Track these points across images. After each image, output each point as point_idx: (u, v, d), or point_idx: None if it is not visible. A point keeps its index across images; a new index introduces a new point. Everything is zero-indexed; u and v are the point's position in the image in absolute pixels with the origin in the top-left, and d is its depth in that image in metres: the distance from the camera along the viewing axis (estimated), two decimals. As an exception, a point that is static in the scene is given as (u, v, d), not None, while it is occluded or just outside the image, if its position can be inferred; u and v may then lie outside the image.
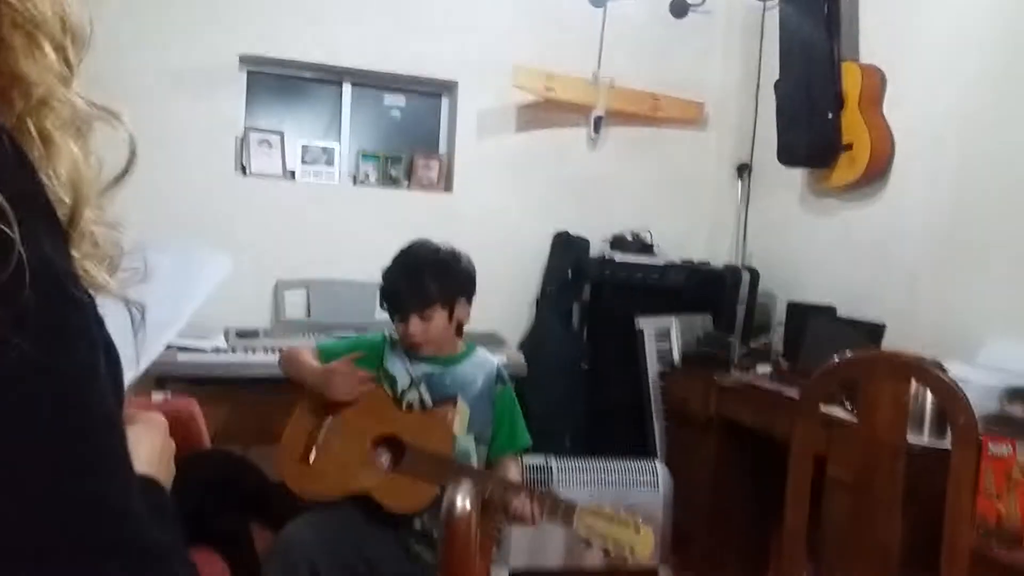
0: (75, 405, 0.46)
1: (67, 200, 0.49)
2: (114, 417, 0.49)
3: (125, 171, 0.56)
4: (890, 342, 2.59)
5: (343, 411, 1.81)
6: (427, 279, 1.84)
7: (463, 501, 0.80)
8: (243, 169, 3.41)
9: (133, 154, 0.56)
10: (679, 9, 3.77)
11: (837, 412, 2.33)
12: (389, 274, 1.90)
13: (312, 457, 1.78)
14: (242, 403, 3.25)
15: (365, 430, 1.80)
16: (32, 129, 0.47)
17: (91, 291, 0.52)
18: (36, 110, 0.47)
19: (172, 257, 0.78)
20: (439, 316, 1.86)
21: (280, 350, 2.04)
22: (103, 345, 0.50)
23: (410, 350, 1.89)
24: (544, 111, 3.68)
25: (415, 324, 1.84)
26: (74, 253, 0.51)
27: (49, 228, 0.47)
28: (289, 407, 1.87)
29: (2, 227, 0.41)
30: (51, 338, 0.44)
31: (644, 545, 1.71)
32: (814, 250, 3.35)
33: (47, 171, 0.48)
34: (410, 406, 1.85)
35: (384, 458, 1.81)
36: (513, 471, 1.91)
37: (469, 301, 1.93)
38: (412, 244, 1.92)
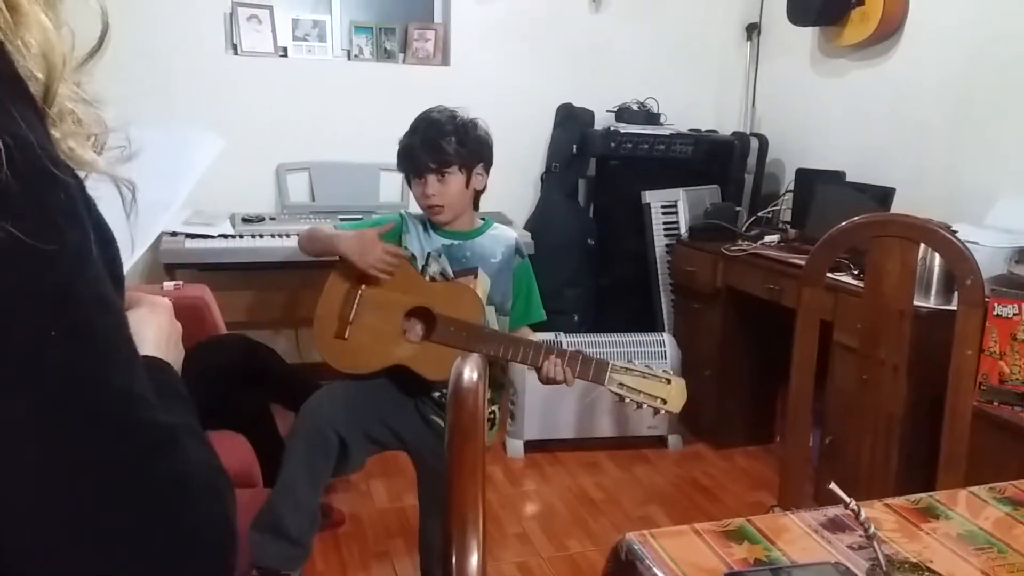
0: (66, 286, 0.44)
1: (40, 75, 0.47)
2: (109, 298, 0.48)
3: (99, 44, 0.53)
4: (899, 206, 2.56)
5: (373, 287, 1.83)
6: (446, 139, 1.83)
7: (471, 373, 0.81)
8: (234, 48, 3.28)
9: (106, 26, 0.53)
10: None
11: (844, 279, 2.34)
12: (407, 135, 1.88)
13: (348, 333, 1.81)
14: (253, 288, 3.29)
15: (396, 304, 1.83)
16: None
17: (79, 172, 0.51)
18: None
19: (161, 136, 0.75)
20: (456, 179, 1.85)
21: (298, 234, 2.02)
22: (95, 227, 0.49)
23: (427, 212, 1.87)
24: (543, -27, 3.49)
25: (432, 184, 1.83)
26: (54, 133, 0.49)
27: (22, 106, 0.45)
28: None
29: None
30: (35, 219, 0.43)
31: (676, 395, 1.74)
32: (824, 114, 3.26)
33: (15, 41, 0.45)
34: (432, 278, 1.86)
35: (417, 329, 1.85)
36: (532, 336, 1.95)
37: (486, 170, 1.92)
38: (431, 109, 1.90)
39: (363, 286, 1.83)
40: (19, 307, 0.42)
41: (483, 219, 1.98)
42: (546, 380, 1.78)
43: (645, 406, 1.74)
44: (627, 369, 1.75)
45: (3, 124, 0.41)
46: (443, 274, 1.87)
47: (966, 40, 2.64)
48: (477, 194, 1.92)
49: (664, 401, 1.73)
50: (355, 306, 1.82)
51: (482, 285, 1.87)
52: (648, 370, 1.76)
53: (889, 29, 2.88)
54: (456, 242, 1.89)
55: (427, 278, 1.86)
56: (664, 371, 1.77)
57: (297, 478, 1.66)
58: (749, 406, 3.09)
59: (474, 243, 1.90)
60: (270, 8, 3.31)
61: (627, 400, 1.74)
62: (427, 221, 1.91)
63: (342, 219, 2.62)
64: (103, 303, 0.47)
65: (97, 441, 0.45)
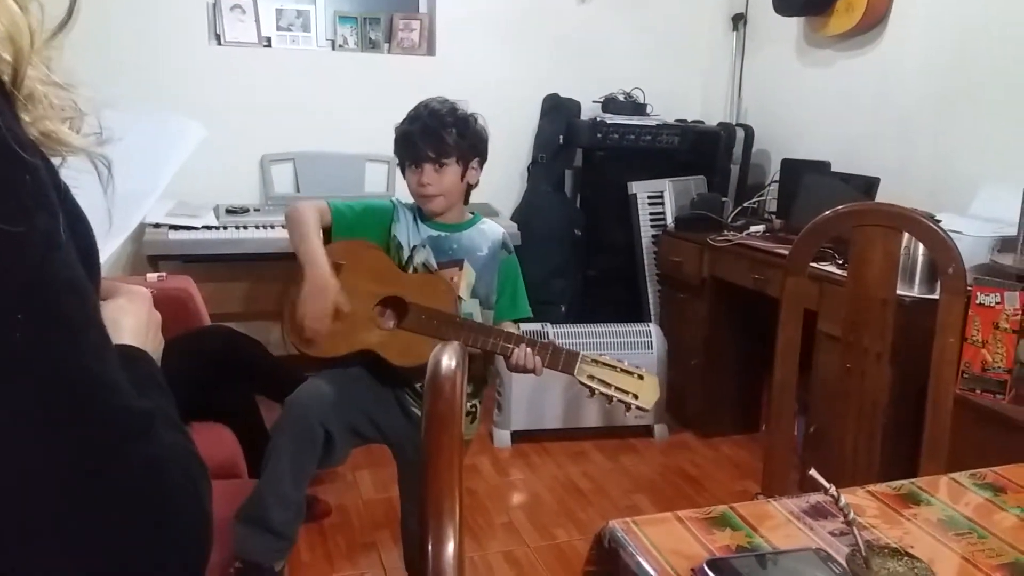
0: (34, 269, 0.44)
1: (7, 56, 0.46)
2: (79, 283, 0.47)
3: (67, 18, 0.52)
4: (884, 196, 2.57)
5: (348, 276, 1.82)
6: (446, 130, 1.82)
7: (449, 360, 0.81)
8: (217, 38, 3.25)
9: (74, 1, 0.52)
10: None
11: (828, 268, 2.35)
12: (406, 122, 1.86)
13: None
14: (238, 279, 3.27)
15: (370, 292, 1.82)
16: None
17: (53, 157, 0.50)
18: None
19: (140, 121, 0.74)
20: (453, 170, 1.84)
21: (290, 208, 1.91)
22: (67, 213, 0.48)
23: (420, 201, 1.87)
24: (530, -38, 3.48)
25: (429, 173, 1.82)
26: (24, 116, 0.48)
27: None
28: (285, 281, 1.87)
29: None
30: (1, 201, 0.42)
31: (648, 391, 1.73)
32: (810, 104, 3.27)
33: None
34: (415, 270, 1.85)
35: (389, 317, 1.84)
36: (512, 328, 1.94)
37: (481, 165, 1.91)
38: (432, 99, 1.89)
39: (339, 274, 1.82)
40: None
41: (472, 213, 1.97)
42: (514, 368, 1.78)
43: (616, 400, 1.73)
44: (598, 362, 1.75)
45: None
46: (426, 265, 1.86)
47: (951, 30, 2.64)
48: (469, 188, 1.92)
49: (636, 396, 1.72)
50: None
51: (467, 277, 1.87)
52: (621, 364, 1.75)
53: (874, 19, 2.89)
54: (443, 234, 1.89)
55: (411, 269, 1.86)
56: (637, 367, 1.76)
57: (283, 472, 1.65)
58: (735, 395, 3.11)
59: (461, 236, 1.90)
60: (253, -3, 3.28)
61: (598, 392, 1.73)
62: (417, 211, 1.90)
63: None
64: (73, 287, 0.46)
65: (67, 425, 0.44)
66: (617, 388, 1.73)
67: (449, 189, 1.85)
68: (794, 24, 3.29)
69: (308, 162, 3.33)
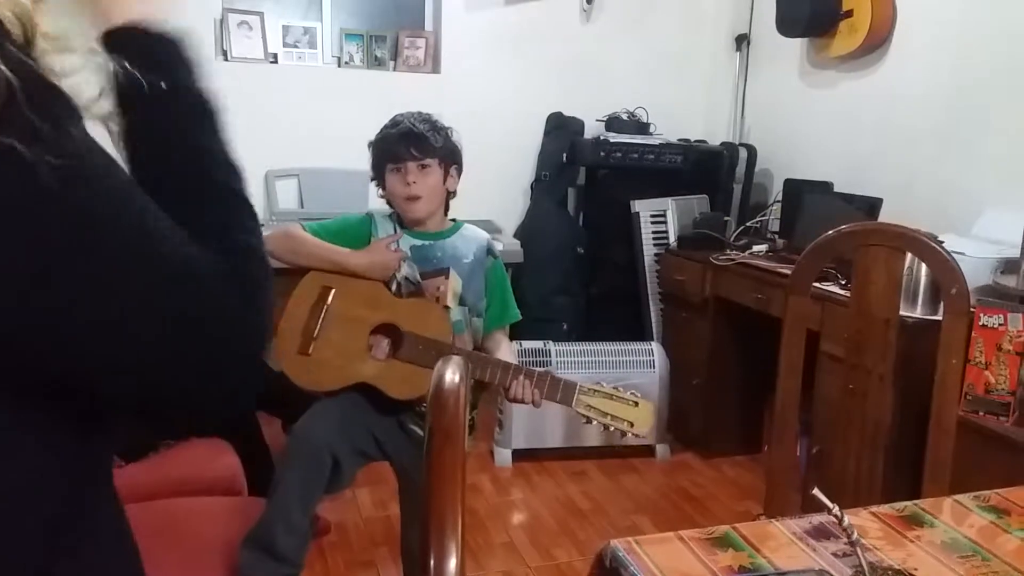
0: (114, 186, 0.55)
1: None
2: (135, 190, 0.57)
3: None
4: (887, 217, 2.57)
5: (340, 301, 1.81)
6: (428, 132, 1.84)
7: (452, 374, 0.80)
8: (224, 54, 3.28)
9: None
10: None
11: (831, 289, 2.35)
12: (386, 128, 1.88)
13: (312, 348, 1.78)
14: (240, 294, 3.27)
15: (363, 319, 1.80)
16: None
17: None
18: None
19: None
20: (436, 172, 1.85)
21: (271, 233, 1.97)
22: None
23: (403, 204, 1.85)
24: (535, -18, 3.51)
25: (413, 172, 1.82)
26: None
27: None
28: (285, 298, 1.87)
29: None
30: (64, 140, 0.51)
31: (642, 418, 1.75)
32: (812, 125, 3.28)
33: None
34: (399, 284, 1.84)
35: (384, 346, 1.83)
36: (506, 346, 1.93)
37: (458, 174, 1.92)
38: (408, 112, 1.91)
39: (329, 300, 1.81)
40: (83, 210, 0.52)
41: (453, 220, 1.97)
42: (513, 399, 1.78)
43: (612, 428, 1.75)
44: (595, 391, 1.76)
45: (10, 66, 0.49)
46: (410, 278, 1.85)
47: (953, 52, 2.66)
48: (449, 196, 1.92)
49: (631, 424, 1.74)
50: (320, 321, 1.78)
51: (454, 285, 1.86)
52: (616, 392, 1.76)
53: (877, 41, 2.90)
54: (427, 243, 1.88)
55: (394, 282, 1.85)
56: (632, 393, 1.77)
57: (291, 500, 1.63)
58: (738, 416, 3.09)
59: (445, 243, 1.89)
60: (260, 14, 3.31)
61: (595, 422, 1.75)
62: (397, 222, 1.90)
63: (304, 220, 2.58)
64: (135, 192, 0.57)
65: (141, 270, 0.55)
66: (613, 416, 1.75)
67: (433, 191, 1.85)
68: (797, 45, 3.31)
69: (312, 178, 3.34)
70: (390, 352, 1.81)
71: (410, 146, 1.82)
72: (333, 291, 1.80)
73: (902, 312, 1.70)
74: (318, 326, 1.78)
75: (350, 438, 1.72)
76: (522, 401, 1.77)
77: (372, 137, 1.91)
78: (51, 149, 0.49)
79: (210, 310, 0.58)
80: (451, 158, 1.88)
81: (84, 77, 0.57)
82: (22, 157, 0.48)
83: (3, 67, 0.48)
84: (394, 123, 1.87)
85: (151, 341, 0.55)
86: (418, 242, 1.87)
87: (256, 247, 0.64)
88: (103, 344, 0.54)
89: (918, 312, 2.12)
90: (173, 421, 0.69)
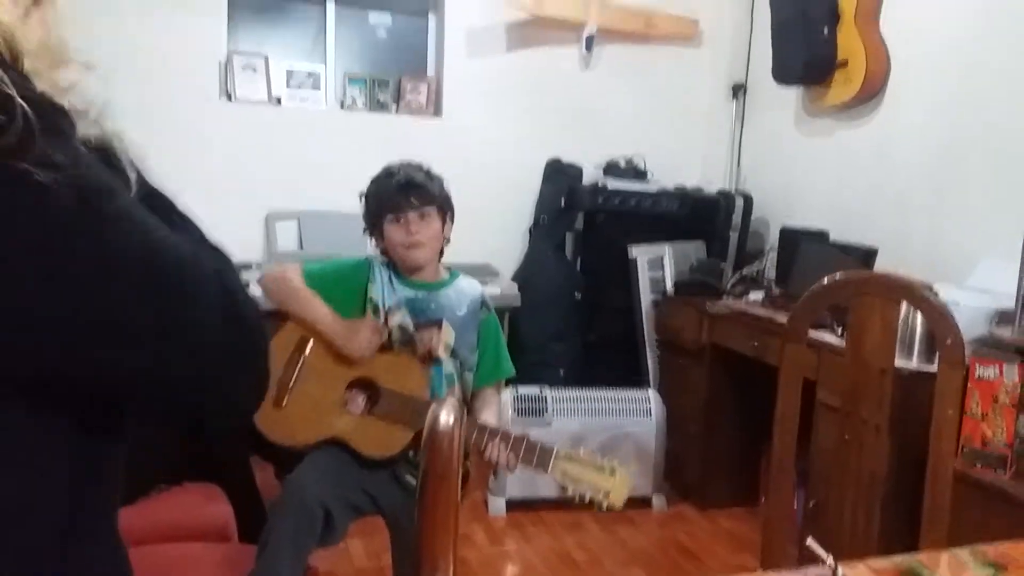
0: (124, 205, 0.58)
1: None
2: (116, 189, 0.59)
3: None
4: (882, 266, 2.58)
5: (317, 353, 1.78)
6: (425, 181, 1.84)
7: (447, 416, 0.80)
8: (228, 96, 3.32)
9: None
10: (674, -77, 3.63)
11: (827, 338, 2.34)
12: (382, 177, 1.87)
13: (285, 401, 1.74)
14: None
15: (339, 373, 1.77)
16: None
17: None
18: None
19: None
20: (435, 220, 1.85)
21: (264, 273, 1.95)
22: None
23: (404, 253, 1.84)
24: (535, 29, 3.57)
25: (415, 221, 1.81)
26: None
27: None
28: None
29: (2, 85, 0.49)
30: (76, 159, 0.54)
31: (619, 490, 1.70)
32: (808, 173, 3.32)
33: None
34: (391, 333, 1.83)
35: (359, 401, 1.80)
36: (493, 406, 1.91)
37: (452, 221, 1.92)
38: (398, 161, 1.91)
39: (307, 351, 1.79)
40: (104, 227, 0.55)
41: (448, 270, 1.96)
42: (488, 462, 1.75)
43: (588, 498, 1.70)
44: (572, 458, 1.72)
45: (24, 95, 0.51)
46: (403, 327, 1.84)
47: (947, 103, 2.70)
48: (444, 243, 1.92)
49: (607, 494, 1.70)
50: (296, 372, 1.76)
51: (446, 337, 1.84)
52: (593, 460, 1.72)
53: (872, 91, 2.94)
54: (421, 294, 1.86)
55: (387, 330, 1.82)
56: (609, 460, 1.73)
57: (282, 553, 1.60)
58: (735, 465, 3.06)
59: (439, 295, 1.88)
60: (265, 57, 3.37)
61: (570, 491, 1.71)
62: (392, 271, 1.88)
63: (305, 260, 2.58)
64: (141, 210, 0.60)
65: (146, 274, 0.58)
66: (589, 485, 1.70)
67: (433, 239, 1.85)
68: (793, 94, 3.36)
69: (312, 220, 3.36)
70: (366, 408, 1.79)
71: (411, 195, 1.81)
72: (311, 342, 1.78)
73: (898, 362, 1.70)
74: (293, 378, 1.75)
75: (343, 492, 1.70)
76: (496, 465, 1.74)
77: (364, 189, 1.90)
78: (63, 169, 0.52)
79: (213, 308, 0.61)
80: (447, 206, 1.89)
81: (82, 90, 0.61)
82: (38, 181, 0.50)
83: (17, 97, 0.50)
84: (389, 173, 1.86)
85: (161, 341, 0.58)
86: (412, 293, 1.86)
87: (224, 254, 0.68)
88: (117, 345, 0.57)
89: (914, 363, 2.11)
90: (179, 420, 0.71)
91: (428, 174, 1.87)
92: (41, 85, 0.56)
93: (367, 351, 1.78)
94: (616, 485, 1.70)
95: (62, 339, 0.55)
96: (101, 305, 0.55)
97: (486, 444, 1.72)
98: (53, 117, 0.54)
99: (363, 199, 1.90)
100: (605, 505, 1.70)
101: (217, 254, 0.66)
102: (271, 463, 2.23)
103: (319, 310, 1.81)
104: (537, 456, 1.72)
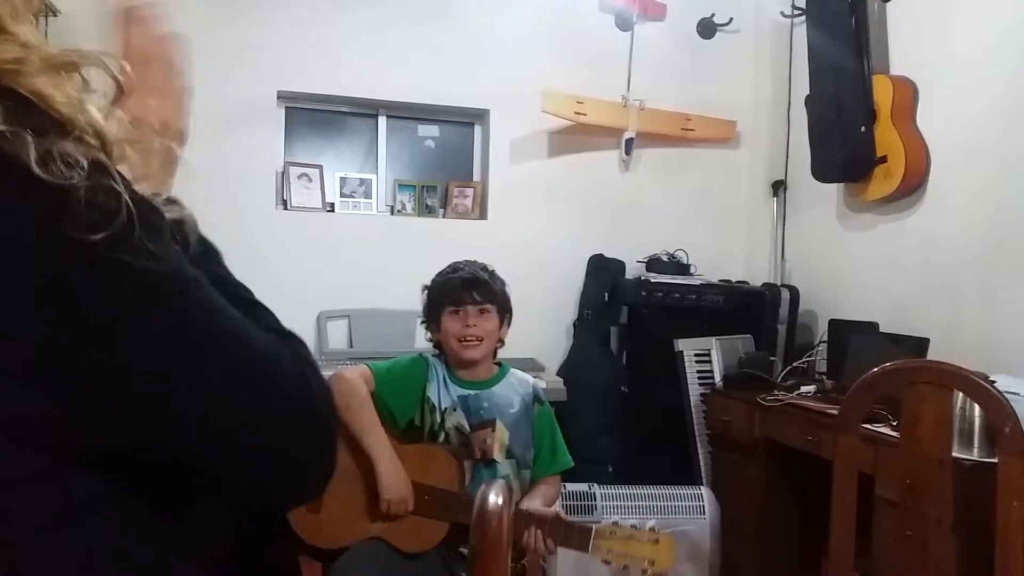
0: (202, 297, 0.61)
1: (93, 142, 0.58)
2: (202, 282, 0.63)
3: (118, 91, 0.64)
4: (935, 356, 2.52)
5: (345, 452, 1.76)
6: (488, 279, 1.89)
7: (496, 497, 0.81)
8: (284, 203, 3.49)
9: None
10: (707, 30, 3.79)
11: (882, 430, 2.28)
12: (447, 272, 1.91)
13: (320, 506, 1.74)
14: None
15: (370, 471, 1.76)
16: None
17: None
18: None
19: None
20: (493, 319, 1.88)
21: (332, 376, 1.95)
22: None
23: (459, 347, 1.85)
24: (576, 135, 3.71)
25: (473, 316, 1.84)
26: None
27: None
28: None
29: (109, 181, 0.54)
30: (162, 252, 0.58)
31: (664, 555, 1.67)
32: (853, 265, 3.30)
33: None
34: (447, 434, 1.84)
35: None
36: (542, 493, 1.88)
37: (509, 324, 1.95)
38: (464, 260, 1.96)
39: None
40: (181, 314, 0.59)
41: (499, 364, 1.97)
42: (526, 550, 1.72)
43: (631, 568, 1.68)
44: (611, 533, 1.69)
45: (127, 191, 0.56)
46: (459, 428, 1.85)
47: (991, 189, 2.69)
48: (498, 345, 1.94)
49: (652, 562, 1.66)
50: None
51: (500, 437, 1.84)
52: (634, 531, 1.69)
53: (913, 184, 2.96)
54: (473, 392, 1.88)
55: (443, 434, 1.83)
56: (652, 529, 1.70)
57: None
58: (793, 564, 2.93)
59: (491, 393, 1.89)
60: (320, 167, 3.55)
61: (612, 564, 1.68)
62: (447, 370, 1.90)
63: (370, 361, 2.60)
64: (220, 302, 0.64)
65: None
66: (632, 556, 1.67)
67: (490, 335, 1.87)
68: (833, 189, 3.39)
69: (362, 318, 3.44)
70: None
71: (472, 290, 1.86)
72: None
73: (958, 454, 1.65)
74: None
75: None
76: (534, 552, 1.71)
77: (428, 281, 1.96)
78: (157, 261, 0.56)
79: (292, 398, 0.66)
80: (507, 307, 1.93)
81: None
82: (132, 268, 0.55)
83: (124, 193, 0.55)
84: (455, 269, 1.92)
85: (243, 426, 0.62)
86: (465, 392, 1.88)
87: (298, 339, 0.73)
88: (198, 426, 0.60)
89: (975, 454, 2.04)
90: (248, 500, 0.74)
91: (492, 274, 1.92)
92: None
93: (400, 508, 1.75)
94: (660, 552, 1.67)
95: (148, 415, 0.58)
96: (189, 388, 0.59)
97: (522, 531, 1.70)
98: (152, 215, 0.59)
99: (425, 291, 1.96)
100: (650, 573, 1.66)
101: (291, 340, 0.70)
102: (318, 561, 2.23)
103: (375, 436, 1.77)
104: (576, 537, 1.70)
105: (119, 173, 0.57)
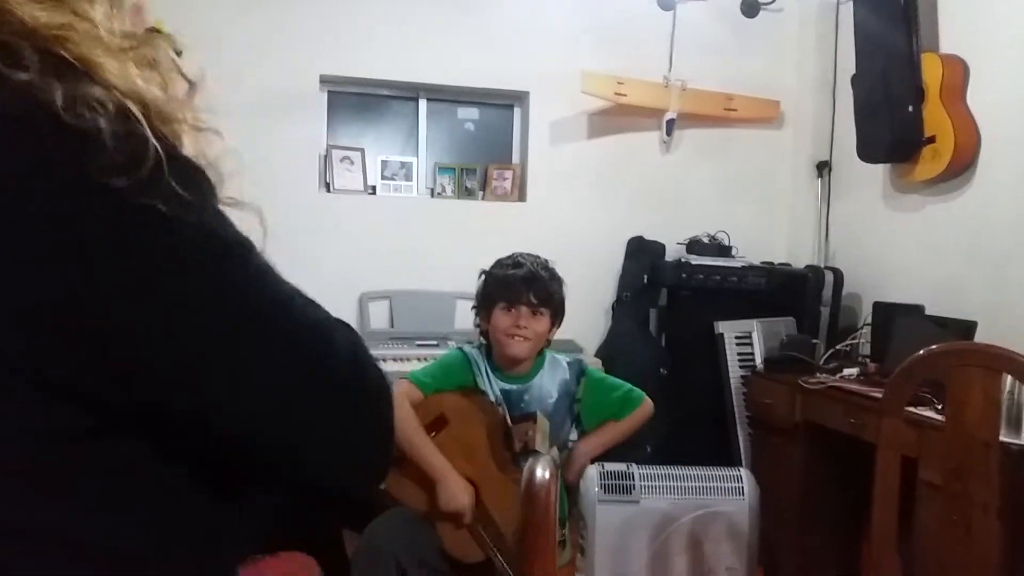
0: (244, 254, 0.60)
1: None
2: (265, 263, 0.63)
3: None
4: (982, 340, 2.48)
5: (446, 437, 1.81)
6: (551, 283, 1.87)
7: (542, 472, 0.83)
8: (327, 186, 3.54)
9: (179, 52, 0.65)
10: (750, 8, 3.73)
11: (927, 413, 2.26)
12: (507, 266, 1.87)
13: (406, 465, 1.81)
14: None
15: (459, 461, 1.80)
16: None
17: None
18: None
19: None
20: (545, 321, 1.86)
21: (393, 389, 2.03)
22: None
23: (506, 342, 1.85)
24: (615, 116, 3.69)
25: (526, 316, 1.83)
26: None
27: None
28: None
29: (136, 126, 0.53)
30: (201, 206, 0.56)
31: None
32: (899, 247, 3.25)
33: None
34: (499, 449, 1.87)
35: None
36: (609, 429, 1.92)
37: (558, 327, 1.94)
38: (528, 254, 1.93)
39: (438, 431, 1.82)
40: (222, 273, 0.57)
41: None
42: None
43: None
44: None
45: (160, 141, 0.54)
46: (502, 422, 1.87)
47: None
48: (544, 345, 1.94)
49: None
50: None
51: (542, 429, 1.87)
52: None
53: (962, 165, 2.89)
54: (515, 387, 1.89)
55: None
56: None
57: None
58: (834, 550, 2.92)
59: (532, 385, 1.90)
60: (361, 151, 3.59)
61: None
62: (488, 363, 1.91)
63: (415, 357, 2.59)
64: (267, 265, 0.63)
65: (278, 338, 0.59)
66: None
67: (539, 337, 1.86)
68: (879, 170, 3.33)
69: (403, 300, 3.49)
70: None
71: (530, 291, 1.83)
72: (448, 427, 1.81)
73: (1006, 439, 1.63)
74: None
75: (416, 549, 1.73)
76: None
77: (485, 266, 1.93)
78: (192, 213, 0.54)
79: (345, 373, 0.63)
80: (560, 311, 1.90)
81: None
82: (164, 215, 0.52)
83: (152, 138, 0.53)
84: (516, 263, 1.87)
85: (295, 397, 0.59)
86: (508, 386, 1.89)
87: (346, 323, 0.70)
88: (235, 399, 0.57)
89: (1023, 439, 2.01)
90: (301, 480, 0.67)
91: (553, 274, 1.89)
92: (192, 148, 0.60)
93: (462, 514, 1.79)
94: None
95: (184, 380, 0.55)
96: (238, 355, 0.56)
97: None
98: (188, 171, 0.56)
99: (482, 277, 1.93)
100: None
101: (341, 323, 0.68)
102: (359, 533, 2.28)
103: (431, 455, 1.79)
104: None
105: (158, 130, 0.55)
